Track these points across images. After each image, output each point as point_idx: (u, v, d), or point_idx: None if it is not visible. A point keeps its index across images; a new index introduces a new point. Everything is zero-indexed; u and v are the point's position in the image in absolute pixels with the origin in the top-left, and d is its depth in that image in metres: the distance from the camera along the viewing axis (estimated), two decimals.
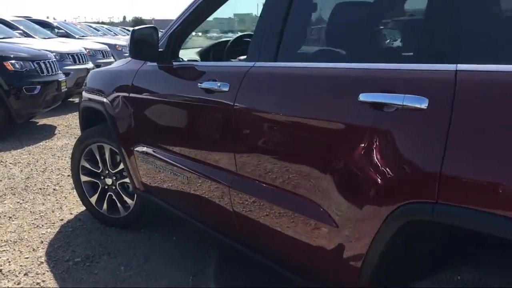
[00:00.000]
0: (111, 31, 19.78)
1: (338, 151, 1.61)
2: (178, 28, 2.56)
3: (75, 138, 5.91)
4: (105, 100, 2.99)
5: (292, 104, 1.81)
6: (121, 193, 3.23)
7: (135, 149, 2.82)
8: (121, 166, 3.15)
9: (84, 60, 8.75)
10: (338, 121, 1.62)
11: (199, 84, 2.24)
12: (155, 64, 2.68)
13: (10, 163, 4.94)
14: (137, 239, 3.15)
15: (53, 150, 5.54)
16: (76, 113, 8.08)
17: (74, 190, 3.83)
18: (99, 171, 3.29)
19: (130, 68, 2.87)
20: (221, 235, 2.36)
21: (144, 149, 2.75)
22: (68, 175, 4.47)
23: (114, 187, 3.26)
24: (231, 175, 2.12)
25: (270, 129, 1.91)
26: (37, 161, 5.03)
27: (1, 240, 3.12)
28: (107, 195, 3.30)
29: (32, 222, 3.43)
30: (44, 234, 3.23)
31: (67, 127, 6.84)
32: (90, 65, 9.00)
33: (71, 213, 3.60)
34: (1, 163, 4.94)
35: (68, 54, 8.34)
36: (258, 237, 2.14)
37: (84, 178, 3.38)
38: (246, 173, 2.02)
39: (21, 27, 9.87)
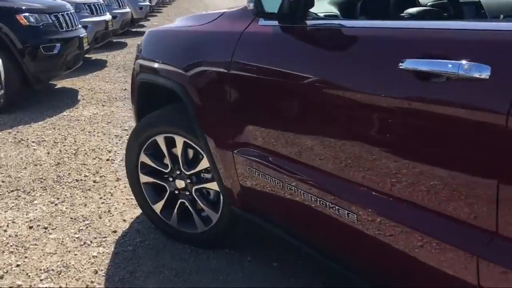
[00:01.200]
0: None
1: None
2: None
3: (103, 105, 5.02)
4: (182, 76, 2.05)
5: None
6: (199, 201, 2.33)
7: (235, 151, 1.90)
8: (200, 166, 2.24)
9: (102, 10, 7.67)
10: None
11: (400, 64, 1.28)
12: (273, 23, 1.71)
13: (33, 142, 4.03)
14: (224, 267, 2.28)
15: (81, 122, 4.62)
16: (98, 73, 7.13)
17: (119, 182, 2.96)
18: (166, 171, 2.37)
19: (225, 30, 1.92)
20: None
21: (253, 153, 1.83)
22: (108, 159, 3.58)
23: (188, 193, 2.36)
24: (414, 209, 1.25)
25: None
26: (65, 139, 4.12)
27: (39, 269, 2.26)
28: (178, 203, 2.41)
29: (76, 236, 2.56)
30: (96, 257, 2.36)
31: (91, 91, 5.89)
32: (108, 16, 7.93)
33: (124, 220, 2.73)
34: (22, 142, 4.04)
35: (84, 4, 7.24)
36: None
37: (144, 178, 2.48)
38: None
39: None
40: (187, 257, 2.38)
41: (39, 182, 3.25)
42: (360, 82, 1.41)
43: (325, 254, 1.72)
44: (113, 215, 2.80)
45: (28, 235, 2.58)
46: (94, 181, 3.25)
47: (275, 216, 1.95)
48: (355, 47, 1.50)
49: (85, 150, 3.86)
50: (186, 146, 2.28)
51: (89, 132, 4.32)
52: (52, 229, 2.65)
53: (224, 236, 2.36)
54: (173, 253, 2.41)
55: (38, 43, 4.82)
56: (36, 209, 2.87)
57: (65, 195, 3.05)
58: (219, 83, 1.89)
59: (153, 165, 2.43)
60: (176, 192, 2.43)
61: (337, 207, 1.54)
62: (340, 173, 1.52)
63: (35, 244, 2.49)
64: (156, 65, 2.32)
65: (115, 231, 2.61)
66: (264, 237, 2.44)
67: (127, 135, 4.21)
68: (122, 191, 3.10)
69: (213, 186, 2.27)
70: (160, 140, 2.35)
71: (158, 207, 2.50)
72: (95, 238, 2.54)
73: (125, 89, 5.92)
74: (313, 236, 1.78)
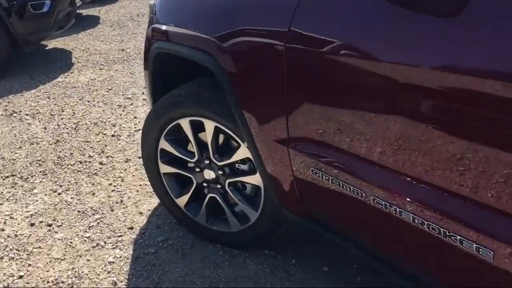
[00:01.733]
0: None
1: None
2: None
3: (101, 69, 4.55)
4: (215, 46, 1.61)
5: None
6: (234, 197, 1.94)
7: (291, 147, 1.49)
8: (236, 156, 1.84)
9: None
10: None
11: None
12: None
13: (27, 115, 3.59)
14: (267, 274, 1.93)
15: (78, 90, 4.15)
16: (91, 31, 6.52)
17: (129, 164, 2.57)
18: (193, 160, 1.96)
19: None
20: None
21: (317, 150, 1.43)
22: (113, 135, 3.17)
23: (220, 187, 1.97)
24: None
25: None
26: (62, 110, 3.67)
27: (46, 281, 1.89)
28: (207, 198, 2.02)
29: (86, 235, 2.18)
30: (113, 263, 1.99)
31: (86, 53, 5.37)
32: None
33: (140, 213, 2.34)
34: (15, 115, 3.59)
35: None
36: None
37: (165, 168, 2.08)
38: None
39: None
40: (220, 261, 2.01)
41: (38, 165, 2.84)
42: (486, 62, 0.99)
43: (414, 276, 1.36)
44: (126, 206, 2.42)
45: (30, 235, 2.19)
46: (101, 163, 2.84)
47: (344, 229, 1.57)
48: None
49: (86, 124, 3.42)
50: (217, 131, 1.87)
51: (88, 101, 3.87)
52: (58, 226, 2.26)
53: (264, 237, 1.99)
54: (202, 256, 2.04)
55: (26, 1, 4.27)
56: (37, 200, 2.47)
57: (69, 181, 2.65)
58: (270, 59, 1.46)
59: (176, 153, 2.02)
60: (205, 184, 2.03)
61: (438, 227, 1.15)
62: (443, 184, 1.12)
63: (39, 247, 2.11)
64: (177, 31, 1.87)
65: (131, 228, 2.24)
66: (305, 234, 2.08)
67: (131, 104, 3.77)
68: (133, 175, 2.70)
69: (252, 179, 1.88)
70: (185, 124, 1.93)
71: (182, 201, 2.11)
72: (109, 237, 2.17)
73: (123, 50, 5.41)
74: (400, 256, 1.41)
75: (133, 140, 3.14)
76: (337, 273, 1.92)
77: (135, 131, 3.29)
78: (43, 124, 3.42)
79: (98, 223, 2.28)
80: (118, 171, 2.76)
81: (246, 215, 1.97)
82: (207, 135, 1.90)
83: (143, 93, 3.99)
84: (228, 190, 1.97)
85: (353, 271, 1.91)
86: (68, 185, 2.61)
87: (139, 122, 3.43)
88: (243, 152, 1.83)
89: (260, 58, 1.51)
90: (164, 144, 2.03)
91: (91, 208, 2.39)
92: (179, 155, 2.02)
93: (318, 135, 1.41)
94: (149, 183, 2.44)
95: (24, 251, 2.09)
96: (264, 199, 1.87)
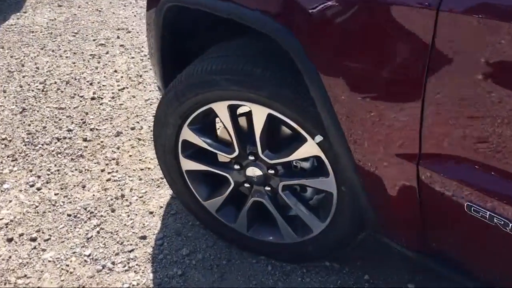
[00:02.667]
0: None
1: None
2: None
3: (60, 5, 3.78)
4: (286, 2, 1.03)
5: None
6: (291, 203, 1.45)
7: (423, 163, 0.96)
8: (298, 153, 1.32)
9: None
10: None
11: None
12: None
13: None
14: None
15: (37, 35, 3.39)
16: None
17: (121, 138, 2.04)
18: (232, 156, 1.42)
19: None
20: None
21: (478, 178, 0.90)
22: (93, 98, 2.55)
23: (269, 189, 1.45)
24: None
25: None
26: (22, 65, 2.96)
27: None
28: (249, 202, 1.50)
29: (86, 253, 1.65)
30: None
31: None
32: None
33: (150, 212, 1.82)
34: None
35: None
36: None
37: (189, 164, 1.54)
38: None
39: None
40: (271, 281, 1.53)
41: (3, 146, 2.21)
42: None
43: None
44: (130, 203, 1.87)
45: (10, 257, 1.64)
46: (85, 139, 2.24)
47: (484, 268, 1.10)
48: None
49: (55, 83, 2.75)
50: (270, 119, 1.31)
51: (53, 51, 3.15)
52: (45, 240, 1.71)
53: (328, 251, 1.52)
54: (246, 275, 1.56)
55: None
56: (11, 201, 1.89)
57: (48, 168, 2.06)
58: (405, 32, 0.89)
59: (205, 146, 1.46)
60: (246, 185, 1.50)
61: None
62: None
63: (25, 276, 1.57)
64: None
65: (143, 237, 1.71)
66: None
67: (106, 53, 3.09)
68: (130, 155, 2.13)
69: (321, 184, 1.36)
70: (222, 110, 1.37)
71: (212, 204, 1.60)
72: (117, 254, 1.64)
73: None
74: None
75: (120, 104, 2.52)
76: None
77: (119, 90, 2.67)
78: (1, 86, 2.72)
79: (98, 232, 1.74)
80: (110, 150, 2.18)
81: (306, 225, 1.47)
82: (256, 126, 1.35)
83: (118, 37, 3.29)
84: (283, 195, 1.44)
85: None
86: (48, 174, 2.02)
87: (122, 77, 2.79)
88: (309, 149, 1.30)
89: (380, 27, 0.93)
90: (187, 135, 1.47)
91: (85, 209, 1.84)
92: (212, 149, 1.46)
93: (477, 153, 0.89)
94: (152, 165, 1.89)
95: (5, 283, 1.55)
96: (337, 208, 1.36)
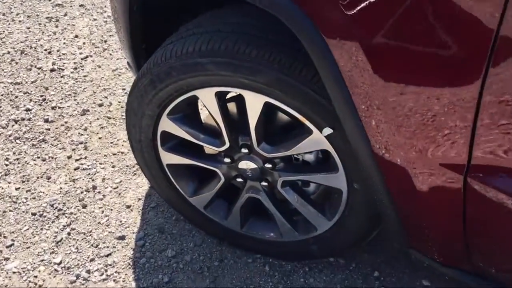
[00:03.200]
0: None
1: None
2: None
3: None
4: None
5: None
6: (291, 200, 1.26)
7: (473, 175, 0.76)
8: (300, 147, 1.10)
9: None
10: None
11: None
12: None
13: None
14: None
15: None
16: None
17: (87, 117, 1.88)
18: (222, 149, 1.20)
19: None
20: None
21: None
22: (53, 69, 2.27)
23: (266, 185, 1.25)
24: None
25: None
26: None
27: None
28: (243, 198, 1.30)
29: (55, 259, 1.45)
30: None
31: None
32: None
33: (127, 206, 1.62)
34: None
35: None
36: None
37: (171, 157, 1.33)
38: None
39: None
40: (271, 284, 1.36)
41: None
42: None
43: None
44: (104, 195, 1.65)
45: None
46: (46, 120, 1.97)
47: None
48: None
49: (9, 52, 2.42)
50: (268, 107, 1.09)
51: (3, 14, 2.78)
52: (7, 247, 1.49)
53: (334, 250, 1.34)
54: (241, 277, 1.39)
55: None
56: None
57: (6, 157, 1.80)
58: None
59: (189, 138, 1.24)
60: (238, 180, 1.29)
61: None
62: None
63: None
64: None
65: (122, 238, 1.51)
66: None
67: (65, 15, 2.76)
68: (99, 137, 1.89)
69: (328, 181, 1.17)
70: (208, 97, 1.14)
71: (199, 200, 1.39)
72: (92, 259, 1.44)
73: None
74: None
75: (84, 76, 2.24)
76: None
77: (81, 59, 2.37)
78: None
79: (68, 233, 1.52)
80: (76, 132, 1.92)
81: (309, 222, 1.29)
82: (250, 116, 1.12)
83: None
84: (283, 192, 1.25)
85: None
86: (6, 165, 1.77)
87: (84, 44, 2.48)
88: (315, 142, 1.09)
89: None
90: (167, 125, 1.24)
91: (52, 206, 1.61)
92: (197, 142, 1.24)
93: None
94: (125, 148, 1.67)
95: None
96: (346, 206, 1.18)
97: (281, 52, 1.00)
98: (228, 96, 1.22)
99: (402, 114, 0.81)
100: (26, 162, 1.79)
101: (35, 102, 2.08)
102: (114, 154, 1.83)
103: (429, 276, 1.38)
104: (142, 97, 1.20)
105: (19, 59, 2.36)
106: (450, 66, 0.72)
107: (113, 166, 1.77)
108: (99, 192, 1.67)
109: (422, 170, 0.84)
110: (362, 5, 0.74)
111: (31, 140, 1.89)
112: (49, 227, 1.55)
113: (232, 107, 1.25)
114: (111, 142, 1.88)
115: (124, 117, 1.96)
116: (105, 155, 1.82)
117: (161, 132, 1.27)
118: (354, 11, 0.76)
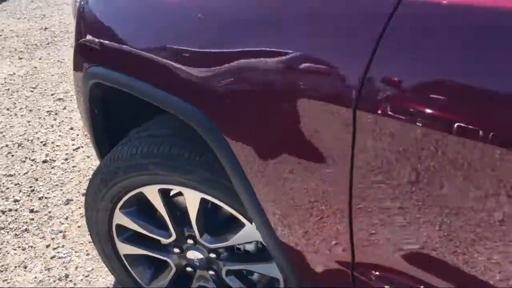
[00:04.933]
0: None
1: None
2: None
3: (20, 58, 3.73)
4: (202, 88, 0.93)
5: None
6: None
7: (361, 273, 0.84)
8: (237, 240, 1.19)
9: None
10: None
11: None
12: None
13: None
14: None
15: None
16: (3, 6, 5.35)
17: (70, 206, 1.89)
18: (169, 241, 1.29)
19: None
20: None
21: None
22: (45, 161, 2.42)
23: (213, 273, 1.32)
24: None
25: None
26: None
27: None
28: (195, 286, 1.37)
29: None
30: None
31: None
32: None
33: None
34: None
35: None
36: None
37: (126, 248, 1.42)
38: None
39: None
40: None
41: None
42: None
43: None
44: (75, 284, 1.72)
45: None
46: (32, 211, 2.10)
47: None
48: None
49: (7, 145, 2.61)
50: (203, 204, 1.19)
51: (8, 109, 3.03)
52: None
53: None
54: None
55: None
56: None
57: None
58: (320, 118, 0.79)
59: (141, 230, 1.33)
60: (189, 269, 1.37)
61: None
62: None
63: None
64: (131, 52, 1.14)
65: None
66: None
67: (64, 108, 2.98)
68: (78, 226, 2.00)
69: (265, 269, 1.24)
70: (152, 193, 1.25)
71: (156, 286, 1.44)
72: None
73: (46, 29, 4.48)
74: None
75: (73, 167, 2.39)
76: None
77: (73, 150, 2.54)
78: None
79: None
80: (57, 221, 2.04)
81: None
82: (190, 210, 1.22)
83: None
84: (227, 280, 1.31)
85: None
86: None
87: (78, 136, 2.66)
88: (249, 234, 1.18)
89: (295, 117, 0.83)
90: (121, 219, 1.34)
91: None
92: (148, 234, 1.33)
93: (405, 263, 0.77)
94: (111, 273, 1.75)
95: None
96: None
97: (208, 152, 1.12)
98: (175, 191, 1.33)
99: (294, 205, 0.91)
100: (7, 251, 1.90)
101: (24, 193, 2.22)
102: (89, 242, 1.92)
103: None
104: (96, 194, 1.32)
105: (16, 152, 2.54)
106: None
107: (87, 254, 1.86)
108: (70, 281, 1.74)
109: (316, 262, 0.92)
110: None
111: (15, 230, 2.00)
112: None
113: (182, 200, 1.35)
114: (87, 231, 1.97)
115: None
116: (81, 243, 1.92)
117: (116, 225, 1.37)
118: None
